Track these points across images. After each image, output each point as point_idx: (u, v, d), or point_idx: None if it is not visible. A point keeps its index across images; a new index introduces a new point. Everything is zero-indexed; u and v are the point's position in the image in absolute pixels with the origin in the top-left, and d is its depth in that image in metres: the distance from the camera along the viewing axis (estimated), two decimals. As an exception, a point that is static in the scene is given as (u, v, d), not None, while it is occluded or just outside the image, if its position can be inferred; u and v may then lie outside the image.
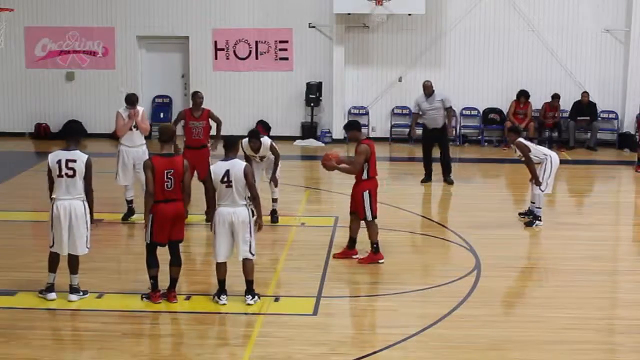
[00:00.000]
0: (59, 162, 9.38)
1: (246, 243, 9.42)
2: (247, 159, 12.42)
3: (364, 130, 20.79)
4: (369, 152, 10.90)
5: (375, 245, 11.12)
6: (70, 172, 9.36)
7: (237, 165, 9.44)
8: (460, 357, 8.31)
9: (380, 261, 11.08)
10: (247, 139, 12.55)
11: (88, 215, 9.53)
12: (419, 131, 17.30)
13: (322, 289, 10.12)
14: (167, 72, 21.82)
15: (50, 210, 9.47)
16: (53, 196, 9.45)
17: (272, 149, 12.70)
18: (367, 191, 10.99)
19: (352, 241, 11.31)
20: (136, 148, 12.97)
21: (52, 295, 9.60)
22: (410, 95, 20.67)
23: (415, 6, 19.97)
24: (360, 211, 11.04)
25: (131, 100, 12.99)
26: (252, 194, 9.54)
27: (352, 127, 11.23)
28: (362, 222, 11.20)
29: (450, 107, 16.49)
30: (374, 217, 11.06)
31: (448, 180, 16.33)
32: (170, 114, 20.95)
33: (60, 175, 9.37)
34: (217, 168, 9.43)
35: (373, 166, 11.02)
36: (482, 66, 21.04)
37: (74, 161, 9.38)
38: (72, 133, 9.66)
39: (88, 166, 9.44)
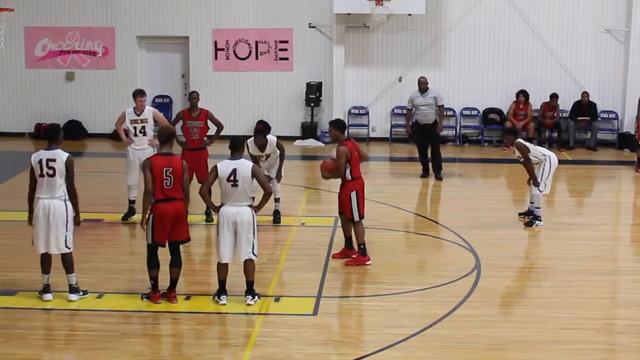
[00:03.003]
0: (40, 161, 9.36)
1: (249, 244, 9.40)
2: (254, 160, 12.41)
3: (363, 130, 21.16)
4: (348, 154, 10.85)
5: (362, 247, 11.07)
6: (51, 172, 9.32)
7: (245, 165, 9.44)
8: (460, 357, 8.30)
9: (368, 263, 11.04)
10: (252, 138, 12.58)
11: (70, 215, 9.48)
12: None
13: (322, 289, 10.11)
14: (167, 72, 21.83)
15: (33, 208, 9.46)
16: (36, 195, 9.44)
17: (278, 145, 12.71)
18: (354, 192, 10.96)
19: (349, 240, 11.29)
20: (143, 150, 12.95)
21: (48, 296, 9.58)
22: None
23: (415, 6, 19.98)
24: (348, 212, 11.01)
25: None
26: (266, 190, 9.54)
27: (336, 126, 11.13)
28: None
29: (443, 105, 16.87)
30: (361, 217, 11.04)
31: (438, 177, 16.64)
32: (171, 114, 20.92)
33: (41, 175, 9.35)
34: (224, 166, 9.42)
35: (355, 167, 10.97)
36: (482, 66, 21.06)
37: (54, 160, 9.34)
38: (53, 132, 9.61)
39: (68, 165, 9.38)
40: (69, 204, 9.47)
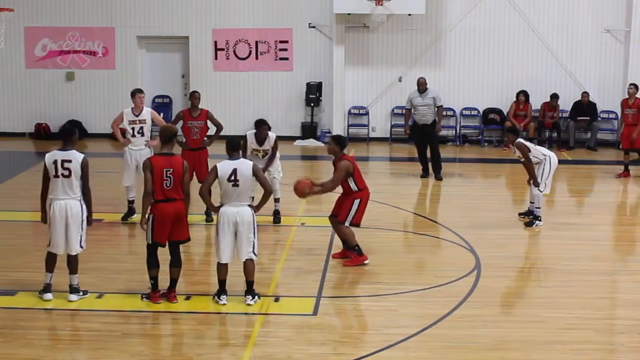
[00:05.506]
0: (55, 162, 9.37)
1: (250, 244, 9.40)
2: (250, 155, 12.44)
3: (363, 130, 21.17)
4: (351, 168, 10.84)
5: (357, 248, 11.05)
6: (66, 172, 9.34)
7: (245, 164, 9.45)
8: (460, 357, 8.30)
9: (365, 262, 11.04)
10: (252, 131, 12.62)
11: (84, 215, 9.50)
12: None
13: (322, 289, 10.11)
14: (167, 72, 21.85)
15: (47, 209, 9.46)
16: (50, 196, 9.44)
17: (274, 144, 12.75)
18: (359, 199, 10.97)
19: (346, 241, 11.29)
20: (141, 150, 12.96)
21: (48, 295, 9.58)
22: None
23: (415, 6, 20.00)
24: (343, 214, 10.97)
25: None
26: (267, 189, 9.56)
27: (337, 141, 11.04)
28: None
29: (441, 106, 16.95)
30: (353, 225, 10.97)
31: (438, 177, 16.68)
32: (171, 114, 20.96)
33: (56, 176, 9.36)
34: (224, 166, 9.41)
35: (360, 179, 10.98)
36: (482, 66, 21.07)
37: (70, 161, 9.36)
38: (68, 133, 9.64)
39: (84, 166, 9.42)
40: (83, 203, 9.49)
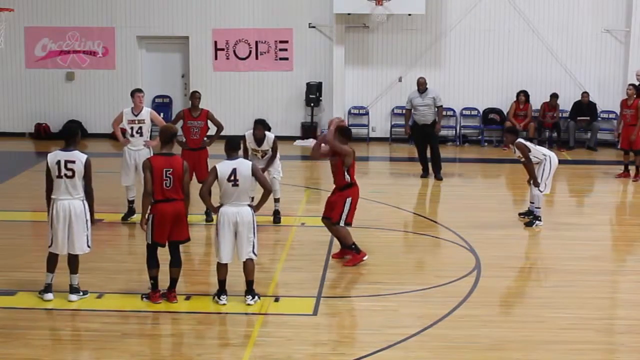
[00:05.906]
0: (58, 162, 9.36)
1: (250, 243, 9.41)
2: (249, 156, 12.44)
3: (363, 130, 21.17)
4: (351, 157, 10.89)
5: (353, 246, 11.07)
6: (70, 173, 9.34)
7: (244, 164, 9.46)
8: (460, 357, 8.31)
9: (365, 258, 11.05)
10: (250, 131, 12.64)
11: (88, 215, 9.51)
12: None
13: (322, 289, 10.11)
14: (167, 72, 21.84)
15: (50, 210, 9.46)
16: (53, 196, 9.44)
17: (273, 145, 12.74)
18: (350, 199, 10.99)
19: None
20: (140, 151, 12.95)
21: (49, 295, 9.58)
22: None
23: (415, 6, 20.00)
24: (336, 215, 10.99)
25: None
26: (266, 188, 9.57)
27: (342, 133, 11.07)
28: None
29: (441, 106, 16.98)
30: (347, 224, 11.00)
31: (438, 177, 16.69)
32: (171, 114, 20.95)
33: (59, 176, 9.36)
34: (224, 166, 9.42)
35: (353, 174, 11.03)
36: (482, 66, 21.07)
37: (73, 162, 9.35)
38: (71, 133, 9.64)
39: (87, 166, 9.42)
40: (86, 203, 9.49)
